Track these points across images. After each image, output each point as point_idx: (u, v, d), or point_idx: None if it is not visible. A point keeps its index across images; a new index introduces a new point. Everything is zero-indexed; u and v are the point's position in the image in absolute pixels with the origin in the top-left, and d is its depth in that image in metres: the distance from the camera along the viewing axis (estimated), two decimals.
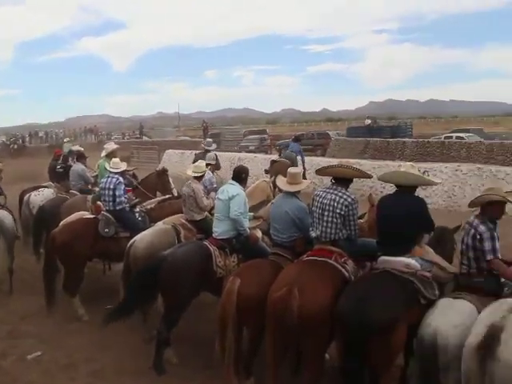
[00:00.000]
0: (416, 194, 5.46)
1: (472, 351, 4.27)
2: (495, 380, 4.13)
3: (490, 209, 5.11)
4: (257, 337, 5.49)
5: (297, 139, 17.30)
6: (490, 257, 4.97)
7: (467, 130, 35.53)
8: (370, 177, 6.04)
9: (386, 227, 5.29)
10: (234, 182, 6.73)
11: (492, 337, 4.21)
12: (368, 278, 5.25)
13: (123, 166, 8.85)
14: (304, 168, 15.94)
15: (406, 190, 5.34)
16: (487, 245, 4.97)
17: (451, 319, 4.69)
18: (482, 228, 5.02)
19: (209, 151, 12.90)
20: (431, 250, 5.40)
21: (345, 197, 5.48)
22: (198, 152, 14.53)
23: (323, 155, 28.42)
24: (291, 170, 6.34)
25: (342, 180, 5.63)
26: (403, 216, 5.13)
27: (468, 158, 24.98)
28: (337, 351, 4.99)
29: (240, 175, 6.80)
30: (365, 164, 17.39)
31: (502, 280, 5.11)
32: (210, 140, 14.95)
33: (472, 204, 5.30)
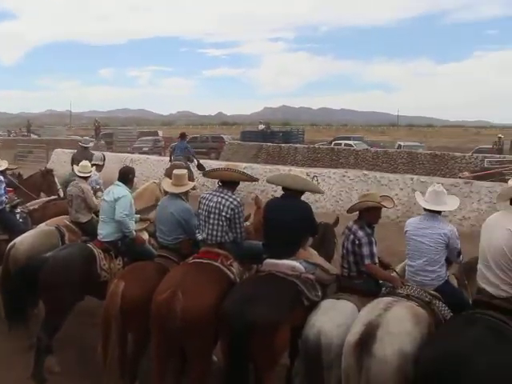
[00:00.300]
0: (304, 199, 5.59)
1: (350, 349, 4.41)
2: (371, 375, 4.28)
3: (367, 214, 5.35)
4: (141, 340, 5.38)
5: (183, 136, 17.20)
6: (367, 261, 5.20)
7: (348, 138, 37.20)
8: (255, 180, 6.13)
9: (272, 230, 5.37)
10: (119, 183, 6.57)
11: (368, 334, 4.36)
12: (253, 281, 5.32)
13: (4, 165, 8.40)
14: (197, 160, 16.02)
15: (292, 194, 5.45)
16: (365, 250, 5.20)
17: (334, 319, 4.83)
18: (360, 233, 5.24)
19: (86, 148, 12.61)
20: (315, 253, 5.54)
21: (231, 200, 5.50)
22: (76, 150, 14.07)
23: (217, 158, 28.59)
24: (176, 171, 6.29)
25: (229, 183, 5.65)
26: (289, 219, 5.23)
27: (356, 164, 26.18)
28: (221, 352, 5.00)
29: (126, 176, 6.66)
30: (257, 168, 17.64)
31: (381, 281, 5.36)
32: (88, 137, 14.65)
33: (350, 210, 5.52)
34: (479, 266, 4.62)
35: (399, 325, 4.44)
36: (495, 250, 4.41)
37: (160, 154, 31.60)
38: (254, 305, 4.67)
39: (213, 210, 5.49)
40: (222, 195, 5.54)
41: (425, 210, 5.13)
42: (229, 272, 5.34)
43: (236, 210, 5.49)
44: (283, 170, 16.28)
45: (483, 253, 4.55)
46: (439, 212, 5.09)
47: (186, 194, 6.23)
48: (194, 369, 5.07)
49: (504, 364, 3.97)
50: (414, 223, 5.16)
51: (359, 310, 4.85)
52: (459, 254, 5.18)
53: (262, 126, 40.37)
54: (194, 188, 6.43)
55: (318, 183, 15.81)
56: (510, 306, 4.37)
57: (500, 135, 32.81)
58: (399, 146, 32.77)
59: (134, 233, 6.49)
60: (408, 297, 4.86)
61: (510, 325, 4.27)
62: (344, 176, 16.25)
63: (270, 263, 5.26)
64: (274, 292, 4.90)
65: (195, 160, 16.00)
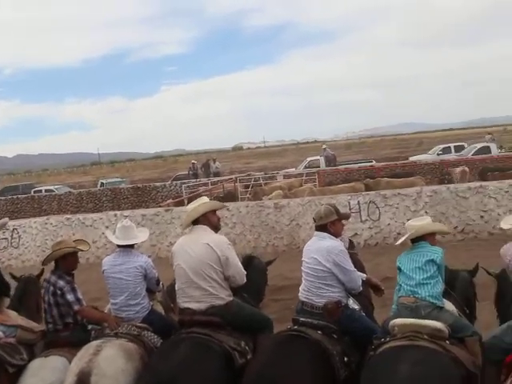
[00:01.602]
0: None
1: None
2: None
3: (63, 262, 5.20)
4: None
5: None
6: (76, 307, 5.05)
7: (17, 187, 35.62)
8: None
9: None
10: None
11: (82, 383, 4.26)
12: None
13: None
14: None
15: None
16: (70, 297, 5.04)
17: (45, 379, 4.59)
18: (61, 283, 5.07)
19: None
20: (14, 313, 5.19)
21: None
22: None
23: None
24: None
25: None
26: None
27: (60, 209, 25.57)
28: None
29: None
30: None
31: (90, 327, 5.24)
32: None
33: (46, 261, 5.31)
34: (178, 286, 4.84)
35: (112, 365, 4.42)
36: (196, 264, 4.67)
37: None
38: None
39: None
40: None
41: (118, 246, 5.22)
42: None
43: None
44: None
45: (182, 272, 4.76)
46: (132, 246, 5.22)
47: None
48: None
49: (211, 378, 4.26)
50: (109, 262, 5.18)
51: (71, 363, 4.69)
52: (158, 282, 5.37)
53: None
54: None
55: (19, 236, 14.92)
56: (209, 318, 4.64)
57: (193, 161, 35.19)
58: (102, 184, 32.88)
59: None
60: (116, 335, 4.85)
61: (212, 336, 4.53)
62: (46, 223, 15.54)
63: None
64: None
65: None
